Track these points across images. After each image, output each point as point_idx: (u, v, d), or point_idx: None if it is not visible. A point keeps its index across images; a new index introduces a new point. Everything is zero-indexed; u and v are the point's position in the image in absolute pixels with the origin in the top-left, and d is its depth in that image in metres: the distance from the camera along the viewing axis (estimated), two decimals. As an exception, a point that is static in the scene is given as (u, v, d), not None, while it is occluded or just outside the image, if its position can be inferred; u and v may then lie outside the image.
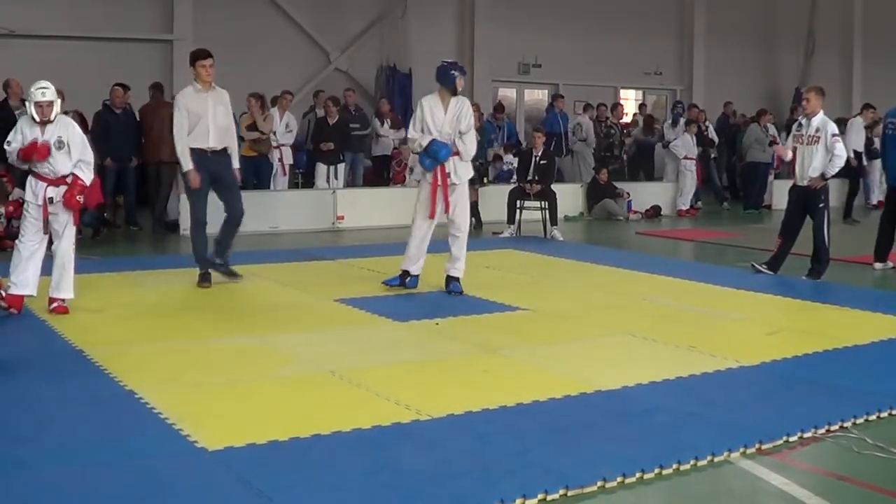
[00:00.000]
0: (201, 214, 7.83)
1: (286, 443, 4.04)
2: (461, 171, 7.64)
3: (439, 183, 7.54)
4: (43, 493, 3.54)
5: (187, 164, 7.61)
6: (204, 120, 7.62)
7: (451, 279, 7.71)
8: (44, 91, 6.44)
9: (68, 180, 6.58)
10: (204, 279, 7.81)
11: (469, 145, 7.58)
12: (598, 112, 16.38)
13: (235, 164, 7.95)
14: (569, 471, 3.75)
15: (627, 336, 6.26)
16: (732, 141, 17.31)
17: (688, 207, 15.41)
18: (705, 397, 4.85)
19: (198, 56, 7.73)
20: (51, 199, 6.57)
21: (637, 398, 4.81)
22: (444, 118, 7.50)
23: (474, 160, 8.40)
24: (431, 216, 7.62)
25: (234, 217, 7.91)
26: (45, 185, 6.57)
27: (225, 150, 7.78)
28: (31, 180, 6.61)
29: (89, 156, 6.70)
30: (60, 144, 6.53)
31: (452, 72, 7.57)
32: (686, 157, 15.35)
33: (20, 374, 5.27)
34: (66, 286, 6.69)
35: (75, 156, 6.59)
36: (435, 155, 7.45)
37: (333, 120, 13.30)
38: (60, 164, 6.56)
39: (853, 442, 4.23)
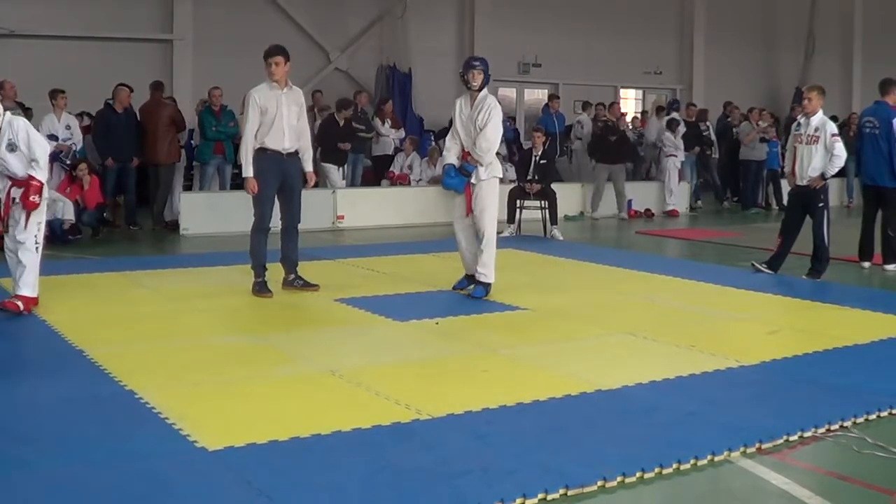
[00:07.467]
0: (266, 220, 7.52)
1: (286, 443, 4.03)
2: (479, 170, 7.50)
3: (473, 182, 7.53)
4: (43, 493, 3.53)
5: (248, 169, 7.35)
6: (279, 119, 7.39)
7: (476, 282, 7.59)
8: None
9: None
10: (263, 288, 7.50)
11: (482, 142, 7.40)
12: (596, 111, 16.37)
13: (308, 167, 7.72)
14: (569, 470, 3.75)
15: (627, 335, 6.26)
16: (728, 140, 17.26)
17: (674, 207, 14.97)
18: (705, 397, 4.85)
19: (269, 53, 7.48)
20: (14, 200, 6.63)
21: (637, 398, 4.81)
22: (468, 115, 7.50)
23: None
24: (465, 214, 7.63)
25: (291, 224, 7.63)
26: (10, 184, 6.65)
27: (296, 152, 7.59)
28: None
29: (40, 152, 6.61)
30: (11, 147, 6.55)
31: (464, 69, 7.54)
32: (669, 155, 14.97)
33: (20, 374, 5.28)
34: (24, 283, 6.64)
35: (28, 154, 6.58)
36: (444, 178, 7.65)
37: (341, 122, 13.35)
38: (15, 165, 6.59)
39: (853, 442, 4.23)
